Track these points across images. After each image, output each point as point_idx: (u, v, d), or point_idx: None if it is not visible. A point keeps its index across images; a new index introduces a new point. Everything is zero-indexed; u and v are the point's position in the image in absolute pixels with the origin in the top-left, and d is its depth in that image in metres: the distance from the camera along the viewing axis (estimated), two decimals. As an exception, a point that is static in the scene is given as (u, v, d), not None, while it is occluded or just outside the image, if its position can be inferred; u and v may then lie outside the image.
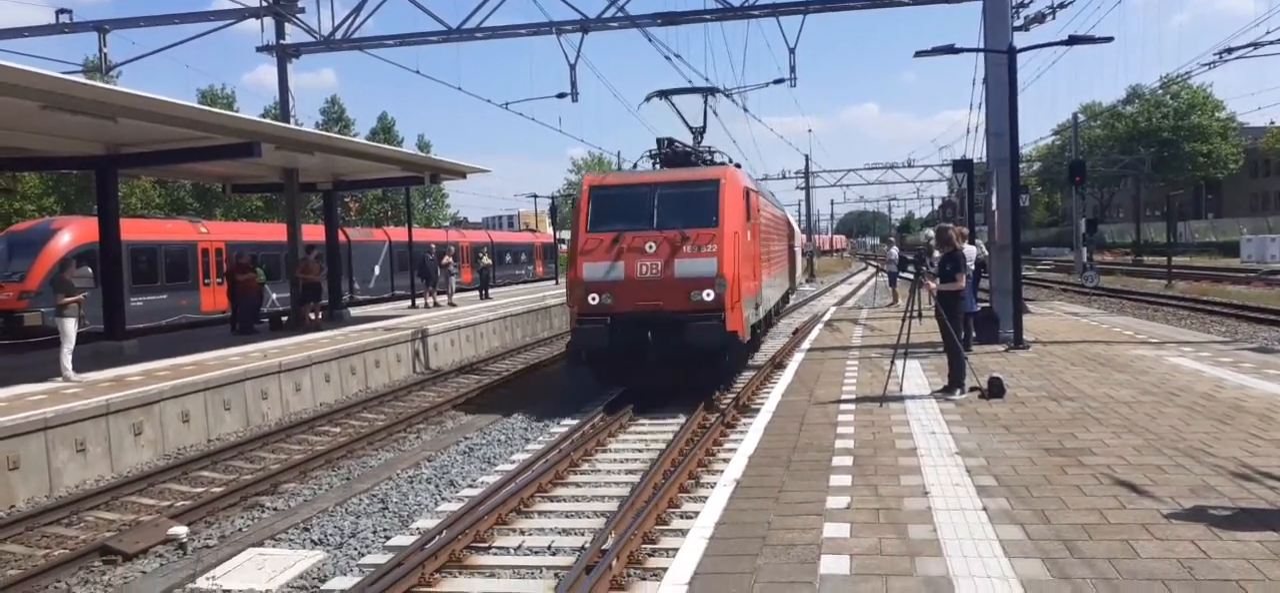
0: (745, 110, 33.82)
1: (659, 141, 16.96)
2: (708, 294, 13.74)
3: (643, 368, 14.07)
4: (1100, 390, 10.67)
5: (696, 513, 6.98)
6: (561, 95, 23.97)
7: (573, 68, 22.89)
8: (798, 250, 40.74)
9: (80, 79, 14.22)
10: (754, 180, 19.56)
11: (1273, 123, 78.25)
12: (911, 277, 12.26)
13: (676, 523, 8.33)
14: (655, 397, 14.36)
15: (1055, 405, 9.85)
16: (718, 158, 17.34)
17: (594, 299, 14.05)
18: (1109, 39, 16.27)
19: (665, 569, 5.66)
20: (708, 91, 18.80)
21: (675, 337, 13.63)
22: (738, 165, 17.21)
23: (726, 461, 8.91)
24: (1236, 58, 28.90)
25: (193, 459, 11.74)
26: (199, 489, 10.64)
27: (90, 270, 19.83)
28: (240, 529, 8.98)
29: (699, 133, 18.18)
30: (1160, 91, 75.78)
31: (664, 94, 18.30)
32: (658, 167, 16.59)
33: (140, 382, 12.98)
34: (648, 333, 13.68)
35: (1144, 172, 74.78)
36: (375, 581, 6.87)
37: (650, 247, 13.99)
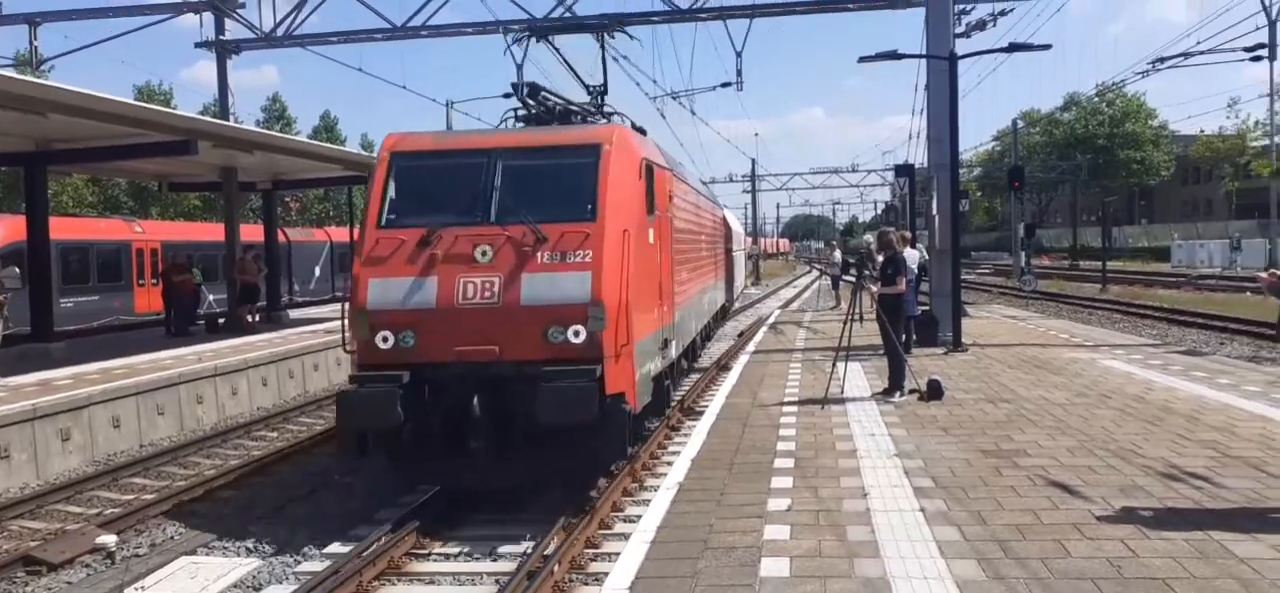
0: (692, 113, 33.77)
1: (516, 87, 11.35)
2: (576, 333, 8.10)
3: (467, 457, 8.19)
4: (1036, 393, 10.89)
5: (639, 517, 6.96)
6: (507, 95, 23.82)
7: (520, 68, 22.73)
8: (739, 256, 33.48)
9: (9, 73, 13.76)
10: (667, 155, 12.56)
11: (1202, 131, 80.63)
12: (854, 280, 12.39)
13: (620, 527, 8.30)
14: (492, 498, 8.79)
15: (992, 408, 10.02)
16: (614, 120, 11.38)
17: (385, 340, 8.28)
18: (1047, 46, 16.77)
19: (607, 574, 5.64)
20: (602, 28, 13.59)
21: (519, 404, 8.04)
22: (641, 130, 11.38)
23: (670, 463, 8.92)
24: (1169, 67, 29.87)
25: (123, 466, 11.40)
26: (129, 496, 10.33)
27: (17, 270, 19.20)
28: (172, 538, 8.73)
29: (597, 93, 12.27)
30: (1096, 99, 77.69)
31: (542, 34, 13.46)
32: (515, 127, 10.79)
33: (69, 386, 12.59)
34: (474, 398, 8.06)
35: (1081, 178, 76.63)
36: (312, 588, 6.74)
37: (482, 254, 8.33)
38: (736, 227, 35.17)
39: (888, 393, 10.94)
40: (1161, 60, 30.28)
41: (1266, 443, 7.89)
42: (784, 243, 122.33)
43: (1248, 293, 30.91)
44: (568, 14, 21.47)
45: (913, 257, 15.49)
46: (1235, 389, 10.64)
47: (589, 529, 7.88)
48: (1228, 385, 10.94)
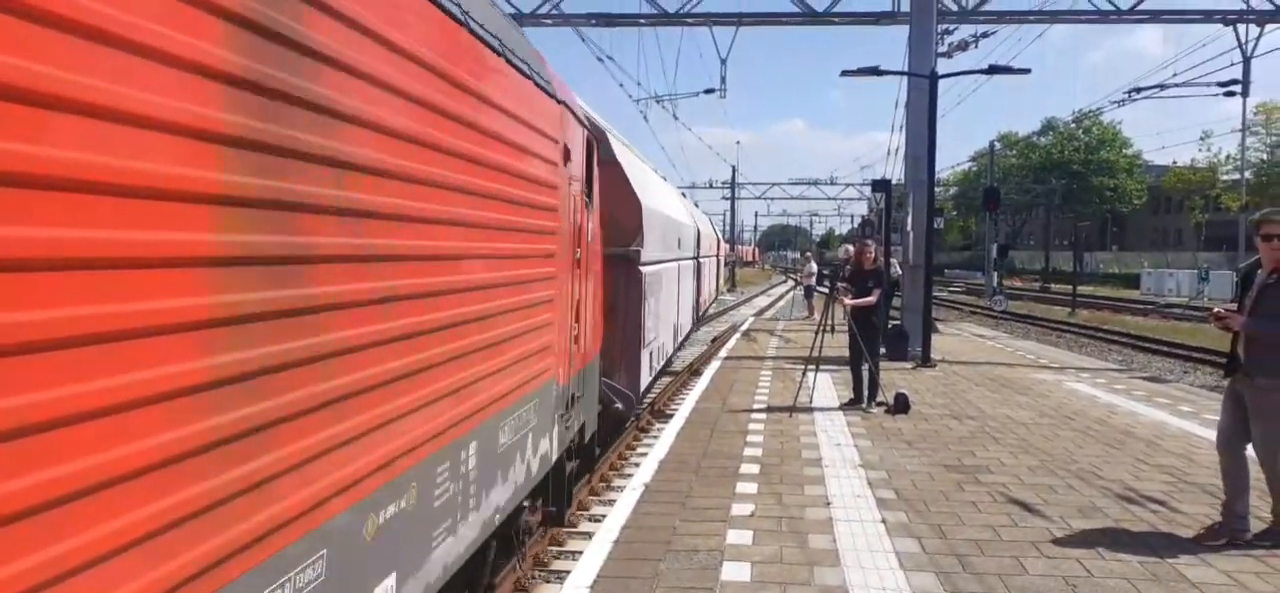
0: (676, 118, 33.87)
1: None
2: None
3: None
4: (1001, 411, 11.01)
5: (604, 516, 6.98)
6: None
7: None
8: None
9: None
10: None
11: (1175, 162, 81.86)
12: (827, 291, 12.49)
13: (584, 525, 8.32)
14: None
15: (957, 423, 10.12)
16: None
17: None
18: (1027, 71, 16.84)
19: (568, 572, 5.66)
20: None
21: None
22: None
23: (638, 465, 8.95)
24: (1144, 97, 30.26)
25: None
26: None
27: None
28: None
29: None
30: (1073, 125, 78.63)
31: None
32: None
33: None
34: None
35: (1054, 202, 77.53)
36: None
37: None
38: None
39: (855, 403, 11.02)
40: (1138, 90, 30.73)
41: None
42: (752, 251, 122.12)
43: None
44: (554, 10, 21.45)
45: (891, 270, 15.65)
46: (1196, 417, 10.81)
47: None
48: (1189, 413, 11.12)
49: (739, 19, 22.43)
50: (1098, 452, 8.76)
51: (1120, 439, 9.41)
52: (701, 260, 23.40)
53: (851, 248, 13.06)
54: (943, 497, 7.02)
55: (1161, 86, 29.93)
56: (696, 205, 36.63)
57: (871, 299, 11.12)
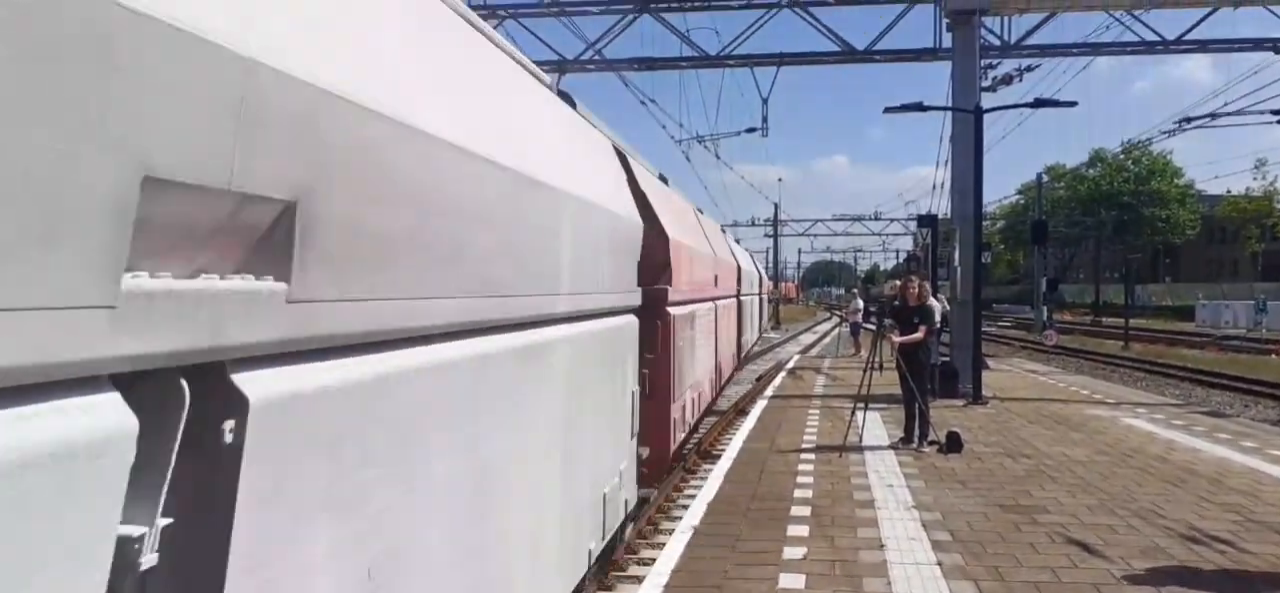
0: (718, 157, 34.01)
1: None
2: None
3: None
4: (1056, 449, 10.79)
5: (653, 559, 6.94)
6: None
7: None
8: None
9: None
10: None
11: (1229, 192, 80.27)
12: (874, 328, 12.38)
13: (633, 569, 8.27)
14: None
15: (1012, 462, 9.94)
16: None
17: None
18: (1073, 103, 16.65)
19: (619, 616, 5.62)
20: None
21: None
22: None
23: (686, 506, 8.88)
24: (1195, 127, 29.72)
25: None
26: None
27: None
28: None
29: None
30: (1121, 156, 77.48)
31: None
32: None
33: None
34: None
35: (1104, 234, 76.28)
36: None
37: None
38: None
39: (906, 442, 10.88)
40: (1188, 120, 30.16)
41: (1291, 509, 7.78)
42: (791, 287, 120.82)
43: (1274, 355, 30.56)
44: (597, 56, 21.70)
45: (934, 307, 15.44)
46: (1259, 453, 10.50)
47: (602, 573, 7.85)
48: (1253, 449, 10.80)
49: (780, 59, 22.50)
50: (1159, 490, 8.54)
51: (1182, 477, 9.16)
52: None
53: (897, 284, 12.83)
54: (999, 538, 6.89)
55: (1213, 115, 29.35)
56: (738, 241, 36.54)
57: (918, 336, 10.99)
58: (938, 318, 14.42)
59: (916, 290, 11.48)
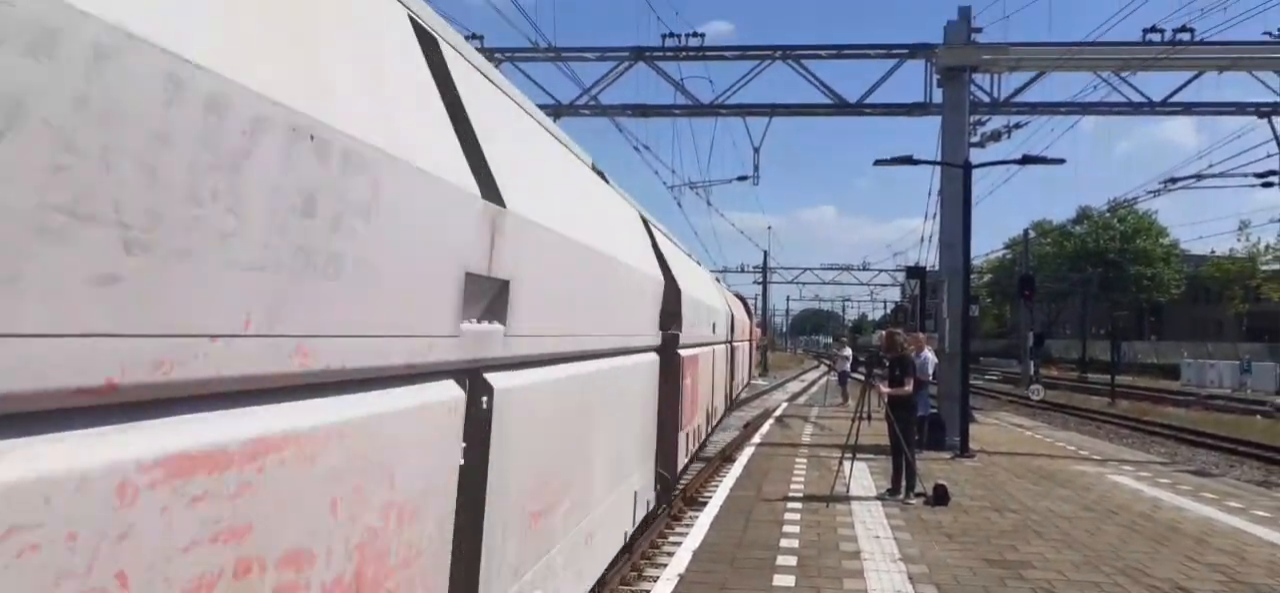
0: (708, 204, 34.24)
1: None
2: None
3: None
4: (1042, 504, 10.79)
5: (638, 606, 6.89)
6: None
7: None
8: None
9: None
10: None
11: (1213, 252, 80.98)
12: (863, 377, 12.41)
13: (617, 615, 8.20)
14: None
15: (998, 516, 9.93)
16: None
17: None
18: (1061, 161, 16.88)
19: (603, 663, 5.57)
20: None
21: None
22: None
23: (671, 554, 8.83)
24: (1181, 188, 30.03)
25: None
26: None
27: None
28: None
29: None
30: (1108, 214, 78.23)
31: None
32: None
33: None
34: None
35: (1090, 290, 76.72)
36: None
37: None
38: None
39: (892, 493, 10.87)
40: (1173, 180, 30.50)
41: (1276, 570, 7.79)
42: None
43: (1258, 417, 30.69)
44: (592, 102, 21.87)
45: (929, 358, 15.51)
46: (1245, 513, 10.53)
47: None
48: (1237, 508, 10.83)
49: (772, 109, 22.70)
50: (1144, 548, 8.54)
51: (1167, 535, 9.17)
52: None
53: (884, 335, 12.88)
54: (985, 592, 6.87)
55: (1198, 177, 29.71)
56: (728, 288, 36.56)
57: (907, 389, 11.03)
58: (929, 370, 14.55)
59: (901, 342, 11.54)
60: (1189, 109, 21.66)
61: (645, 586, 8.62)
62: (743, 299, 31.57)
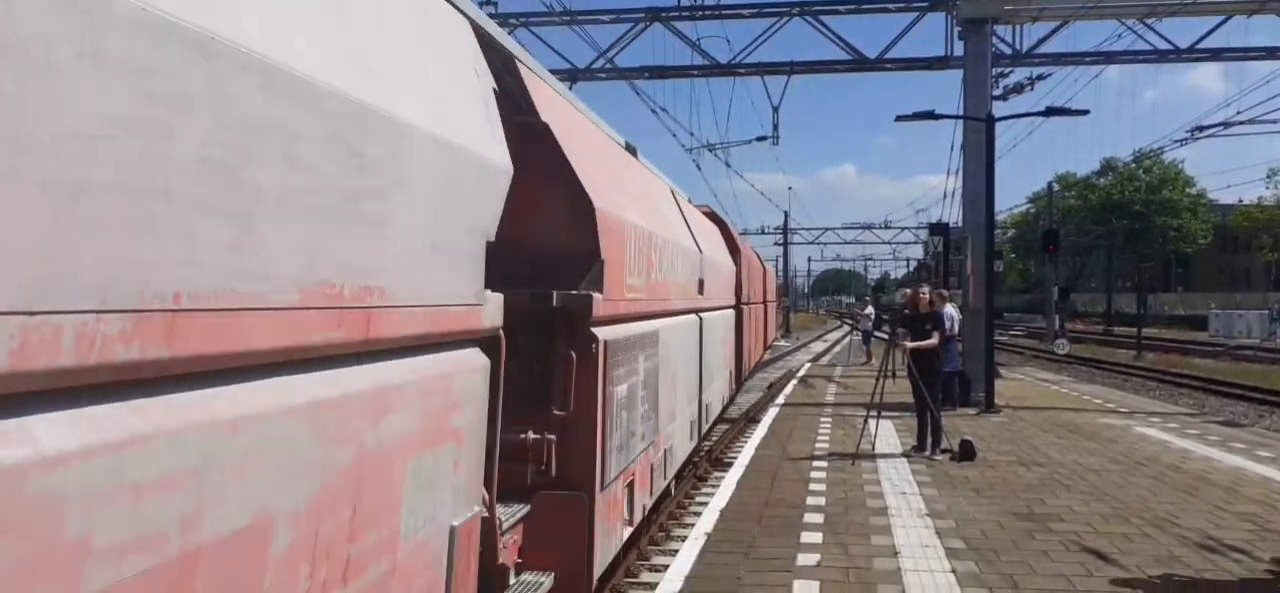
0: (728, 165, 33.94)
1: None
2: None
3: None
4: (1069, 457, 10.75)
5: (666, 566, 6.94)
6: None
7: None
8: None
9: None
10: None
11: (1241, 200, 79.88)
12: (887, 336, 12.38)
13: (645, 576, 8.27)
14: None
15: (1025, 470, 9.91)
16: None
17: None
18: (1085, 112, 16.65)
19: (633, 621, 5.62)
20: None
21: None
22: None
23: (697, 513, 8.88)
24: (1208, 136, 29.59)
25: None
26: None
27: None
28: None
29: None
30: (1133, 165, 77.19)
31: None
32: None
33: None
34: None
35: (1116, 243, 75.89)
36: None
37: None
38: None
39: (918, 450, 10.86)
40: (1201, 129, 30.02)
41: (1307, 519, 7.74)
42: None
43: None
44: (609, 65, 21.76)
45: (950, 312, 15.43)
46: (1275, 462, 10.45)
47: (614, 577, 7.86)
48: (1269, 458, 10.75)
49: (791, 68, 22.50)
50: (1173, 499, 8.50)
51: (1196, 486, 9.13)
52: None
53: (908, 292, 12.80)
54: (1013, 546, 6.87)
55: (1225, 124, 29.22)
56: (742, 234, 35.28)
57: (931, 342, 10.99)
58: (953, 324, 14.51)
59: (927, 299, 11.48)
60: (1217, 55, 21.28)
61: (673, 545, 8.69)
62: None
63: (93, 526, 1.49)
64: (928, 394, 10.81)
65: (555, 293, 4.54)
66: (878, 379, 11.57)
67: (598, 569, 5.06)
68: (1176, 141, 31.01)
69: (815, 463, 10.40)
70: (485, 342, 3.27)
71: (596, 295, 4.74)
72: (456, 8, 3.52)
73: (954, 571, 6.20)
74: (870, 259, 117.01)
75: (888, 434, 12.19)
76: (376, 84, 2.45)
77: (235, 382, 1.87)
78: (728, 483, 9.40)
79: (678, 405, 8.18)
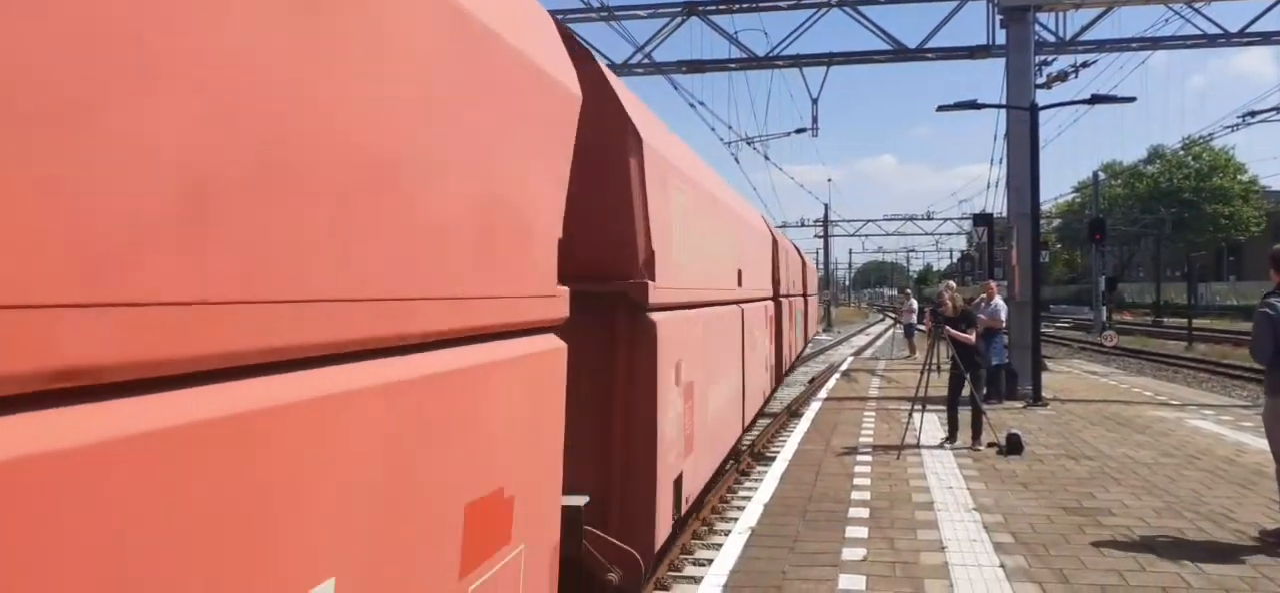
0: (767, 159, 33.78)
1: None
2: None
3: None
4: (1120, 450, 10.58)
5: (710, 560, 6.94)
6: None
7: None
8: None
9: None
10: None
11: (1296, 187, 77.86)
12: (928, 329, 12.28)
13: (690, 570, 8.27)
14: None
15: (1074, 464, 9.77)
16: None
17: None
18: (1132, 99, 16.34)
19: (679, 615, 5.63)
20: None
21: None
22: None
23: (741, 507, 8.87)
24: (1260, 121, 28.94)
25: None
26: None
27: None
28: None
29: None
30: (1182, 153, 75.58)
31: None
32: None
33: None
34: None
35: (1164, 232, 74.40)
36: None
37: None
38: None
39: (949, 441, 10.88)
40: (1253, 114, 29.37)
41: (1369, 512, 7.54)
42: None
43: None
44: (646, 59, 21.76)
45: (1000, 306, 15.27)
46: (1334, 455, 10.19)
47: (658, 571, 7.87)
48: (1326, 451, 10.48)
49: (830, 59, 22.35)
50: (1228, 493, 8.33)
51: (1252, 479, 8.93)
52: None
53: (952, 284, 12.65)
54: (1063, 540, 6.78)
55: (1278, 109, 28.56)
56: (776, 226, 34.85)
57: (968, 336, 10.90)
58: (1001, 316, 14.50)
59: (949, 304, 11.35)
60: (1268, 39, 20.77)
61: (717, 539, 8.69)
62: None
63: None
64: (972, 386, 10.74)
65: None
66: (922, 372, 11.47)
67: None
68: (1227, 127, 30.47)
69: (860, 456, 10.33)
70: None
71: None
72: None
73: (1002, 565, 6.13)
74: (912, 251, 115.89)
75: (932, 428, 12.07)
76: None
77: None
78: (771, 477, 9.37)
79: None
